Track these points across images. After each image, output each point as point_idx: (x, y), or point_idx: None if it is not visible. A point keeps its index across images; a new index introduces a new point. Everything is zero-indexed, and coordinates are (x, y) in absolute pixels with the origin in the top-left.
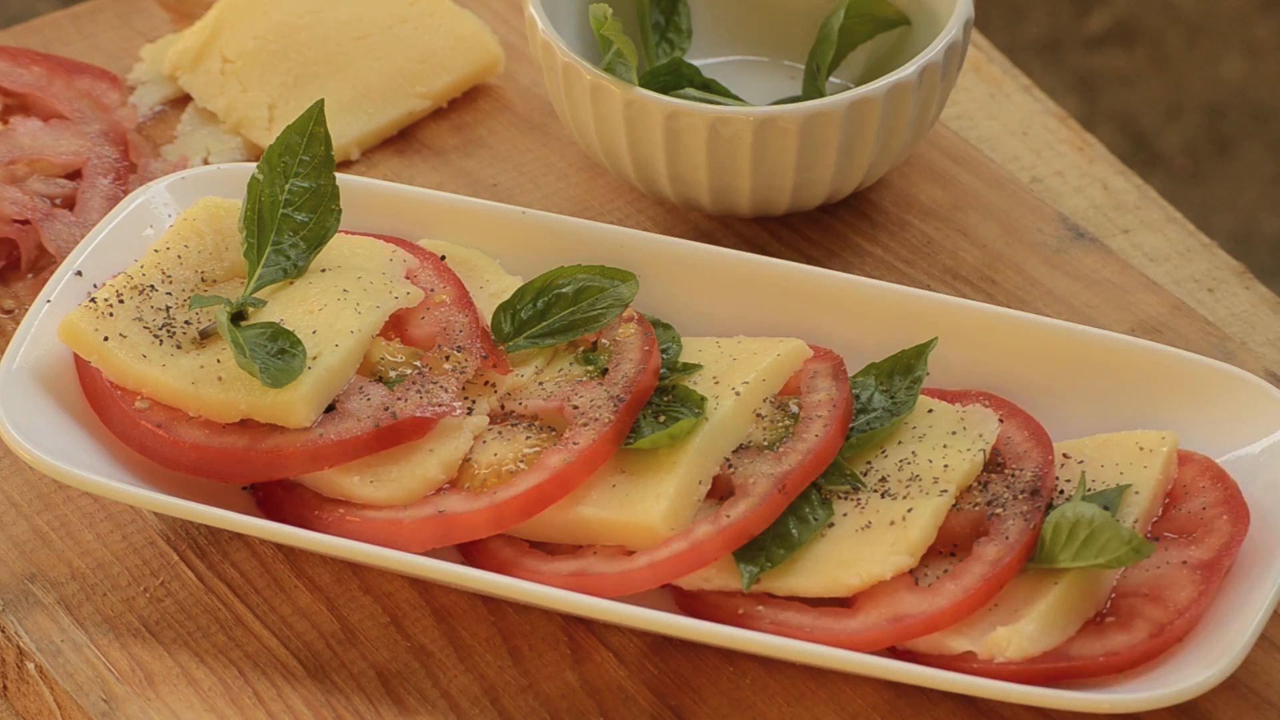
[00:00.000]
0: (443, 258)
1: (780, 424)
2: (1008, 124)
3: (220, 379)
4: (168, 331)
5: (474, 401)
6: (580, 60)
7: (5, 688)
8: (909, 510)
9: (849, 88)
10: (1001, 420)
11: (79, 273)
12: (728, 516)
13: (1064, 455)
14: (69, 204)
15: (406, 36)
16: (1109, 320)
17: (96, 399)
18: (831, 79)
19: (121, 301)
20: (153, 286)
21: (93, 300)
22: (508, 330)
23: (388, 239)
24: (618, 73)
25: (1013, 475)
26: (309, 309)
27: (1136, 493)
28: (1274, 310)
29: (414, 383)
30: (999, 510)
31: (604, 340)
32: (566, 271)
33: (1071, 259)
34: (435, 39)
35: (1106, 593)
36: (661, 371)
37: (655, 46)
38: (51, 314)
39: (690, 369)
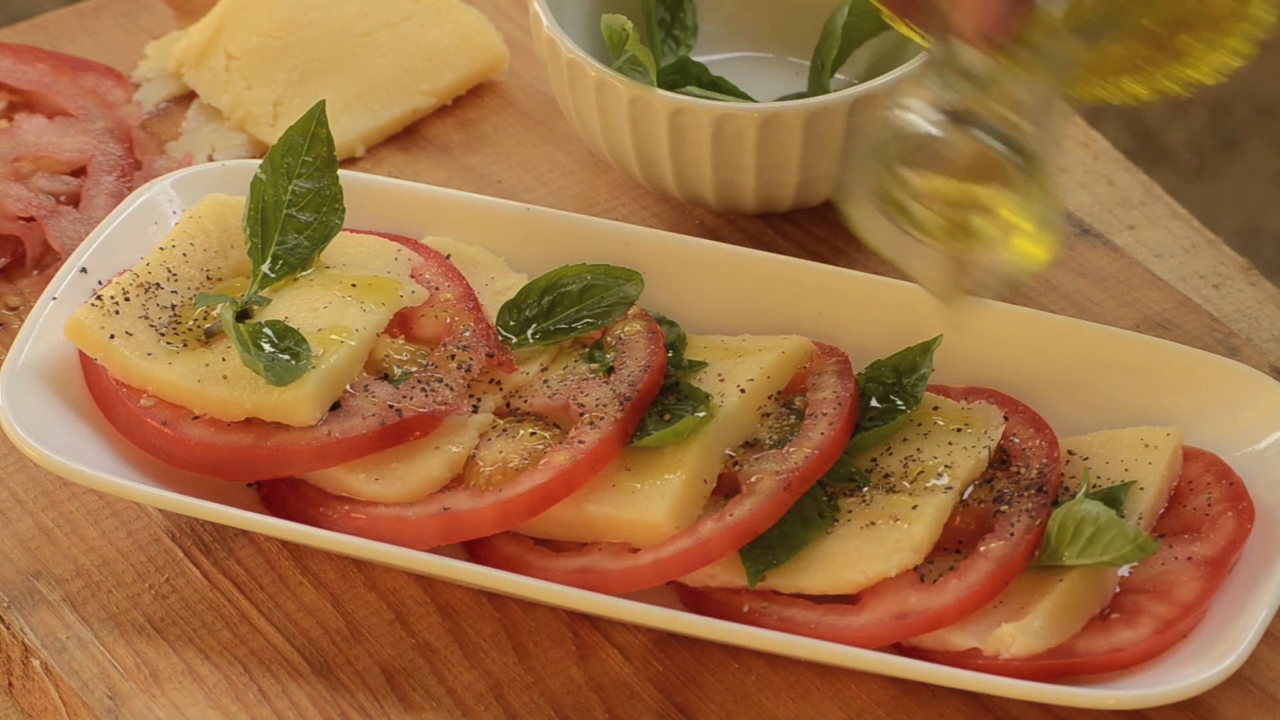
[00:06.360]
0: (447, 255)
1: (785, 421)
2: None
3: (225, 377)
4: (173, 329)
5: (479, 399)
6: (585, 57)
7: (11, 685)
8: (914, 507)
9: (854, 84)
10: (1006, 417)
11: (84, 270)
12: (732, 514)
13: (1069, 452)
14: (74, 201)
15: (411, 33)
16: (1114, 316)
17: (102, 396)
18: (836, 75)
19: (127, 299)
20: (158, 284)
21: (98, 298)
22: (513, 328)
23: (393, 237)
24: (633, 79)
25: (1018, 472)
26: (314, 307)
27: (1142, 489)
28: (1279, 306)
29: (419, 381)
30: (1004, 507)
31: (609, 338)
32: (572, 269)
33: (1076, 255)
34: (440, 36)
35: (1111, 589)
36: (667, 369)
37: (661, 43)
38: (57, 311)
39: (695, 366)
